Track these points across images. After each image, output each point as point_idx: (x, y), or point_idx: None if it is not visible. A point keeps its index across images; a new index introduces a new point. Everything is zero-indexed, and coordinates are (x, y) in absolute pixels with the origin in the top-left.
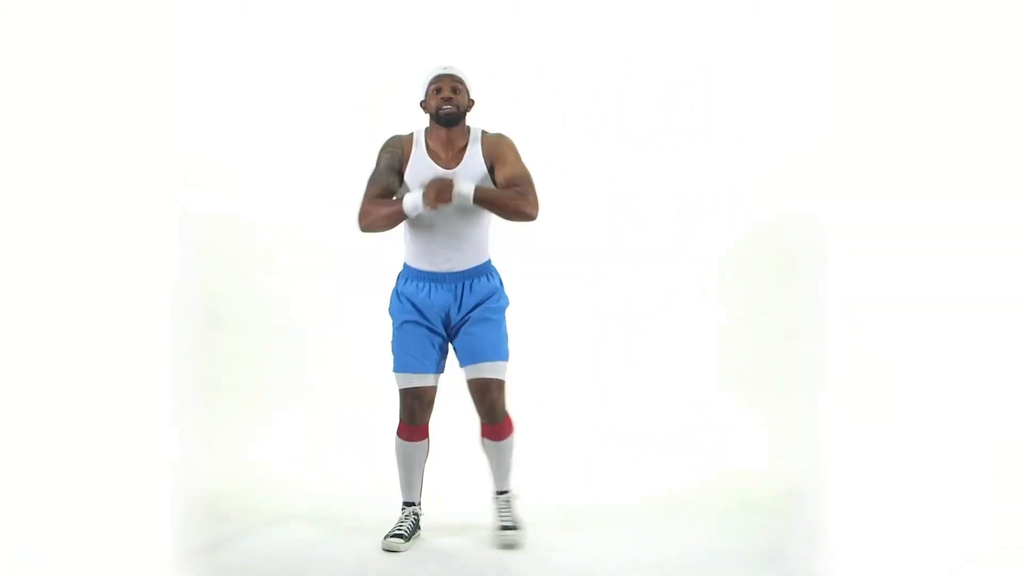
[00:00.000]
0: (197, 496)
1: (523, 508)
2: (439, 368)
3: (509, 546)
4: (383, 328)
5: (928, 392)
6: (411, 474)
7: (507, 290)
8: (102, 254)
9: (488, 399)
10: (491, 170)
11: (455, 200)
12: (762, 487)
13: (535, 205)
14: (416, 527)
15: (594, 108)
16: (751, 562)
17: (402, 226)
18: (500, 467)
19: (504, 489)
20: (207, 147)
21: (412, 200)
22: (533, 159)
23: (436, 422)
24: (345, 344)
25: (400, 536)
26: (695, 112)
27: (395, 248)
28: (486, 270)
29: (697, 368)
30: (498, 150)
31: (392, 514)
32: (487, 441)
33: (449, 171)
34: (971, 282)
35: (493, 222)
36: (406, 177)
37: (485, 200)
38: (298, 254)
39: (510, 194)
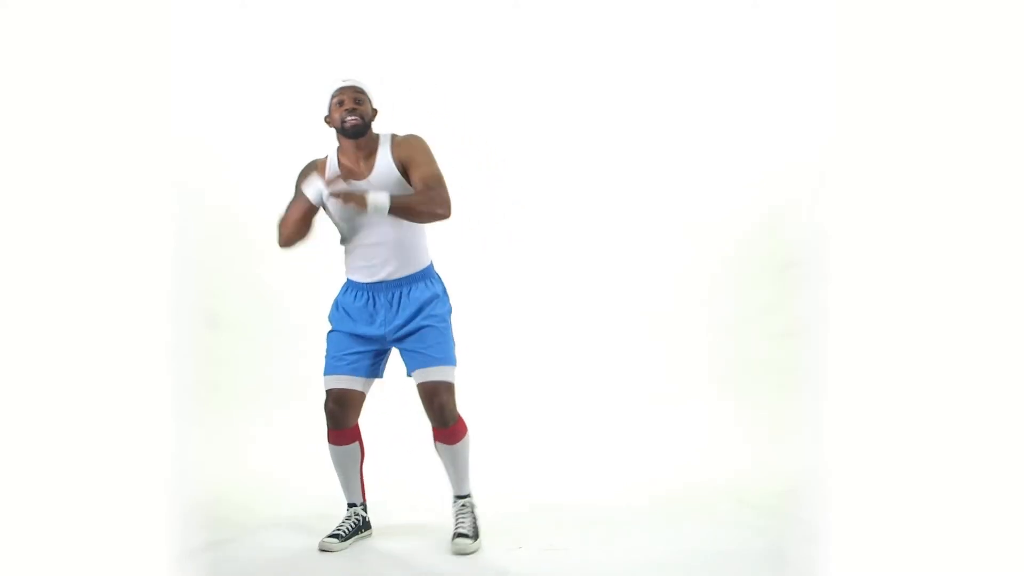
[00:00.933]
0: (196, 496)
1: (523, 508)
2: (366, 373)
3: (461, 553)
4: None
5: (928, 392)
6: (347, 476)
7: (500, 292)
8: (101, 253)
9: (436, 402)
10: (404, 173)
11: (370, 210)
12: (762, 487)
13: (446, 204)
14: (358, 528)
15: (594, 108)
16: (751, 562)
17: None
18: (456, 471)
19: (463, 494)
20: (207, 146)
21: (312, 186)
22: (534, 159)
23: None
24: None
25: (336, 536)
26: (695, 112)
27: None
28: (425, 276)
29: (696, 368)
30: (409, 152)
31: (392, 514)
32: (440, 445)
33: (361, 182)
34: (971, 282)
35: (428, 227)
36: (323, 197)
37: (399, 208)
38: (298, 254)
39: (420, 198)
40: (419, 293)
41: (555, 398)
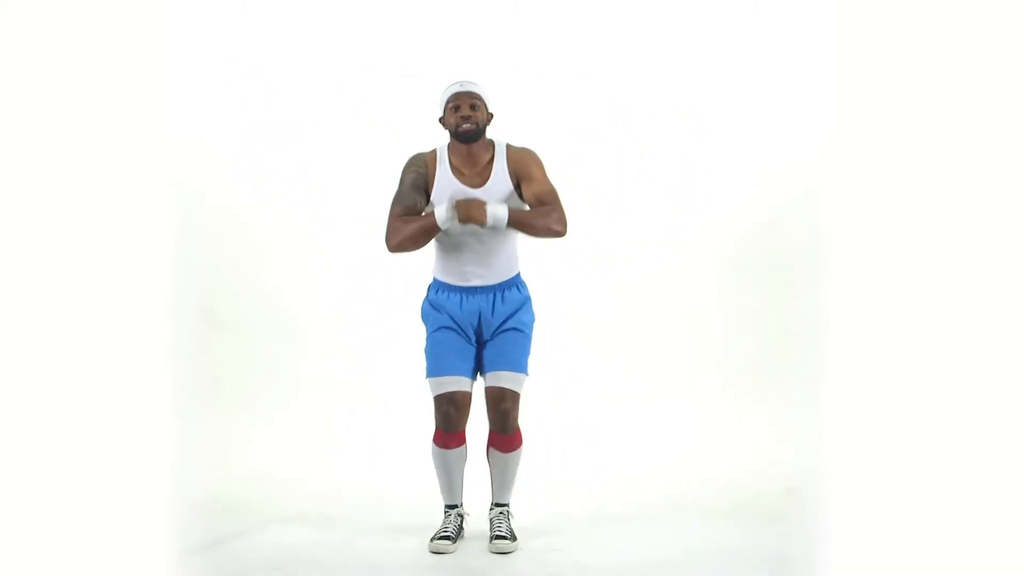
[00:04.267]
0: (196, 496)
1: (523, 508)
2: (473, 374)
3: (501, 553)
4: (383, 329)
5: (929, 392)
6: (451, 479)
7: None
8: (101, 253)
9: (502, 407)
10: (517, 185)
11: (488, 222)
12: (762, 487)
13: (563, 222)
14: (461, 529)
15: (594, 108)
16: (751, 562)
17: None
18: (503, 479)
19: (503, 502)
20: (207, 146)
21: (443, 212)
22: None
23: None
24: (345, 344)
25: (447, 538)
26: (696, 112)
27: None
28: (516, 282)
29: (698, 368)
30: (524, 166)
31: (391, 514)
32: (494, 451)
33: (477, 190)
34: (971, 282)
35: (520, 236)
36: (432, 196)
37: (516, 222)
38: (298, 254)
39: (539, 214)
40: (512, 297)
41: (555, 398)
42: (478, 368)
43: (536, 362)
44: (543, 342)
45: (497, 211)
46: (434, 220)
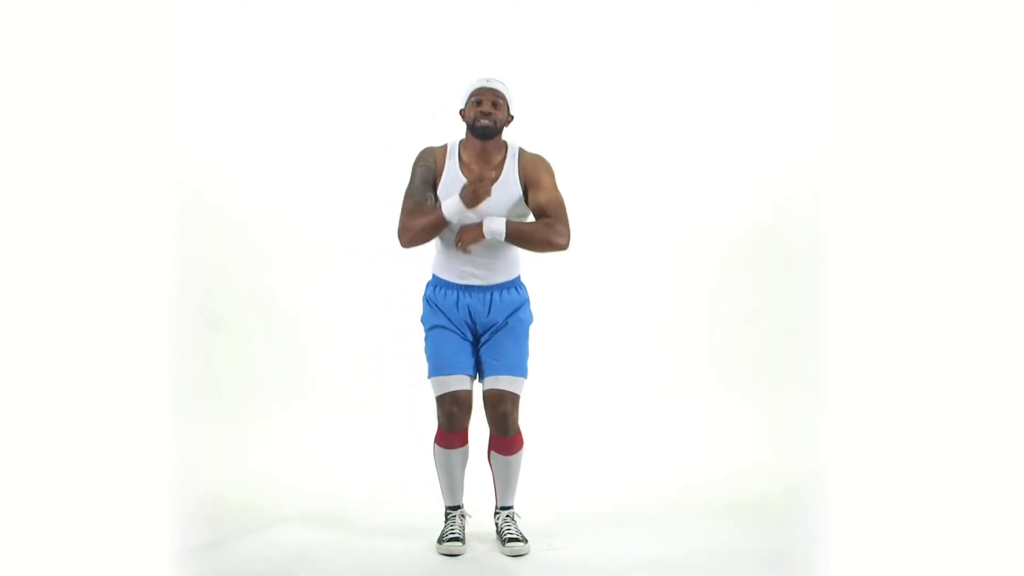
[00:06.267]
0: (197, 496)
1: (523, 508)
2: (474, 371)
3: (517, 555)
4: (383, 329)
5: (929, 392)
6: (453, 480)
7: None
8: (100, 254)
9: (501, 410)
10: (525, 191)
11: (487, 237)
12: (762, 487)
13: (565, 235)
14: (464, 529)
15: (595, 109)
16: (751, 562)
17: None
18: (506, 482)
19: (508, 505)
20: (207, 147)
21: (452, 205)
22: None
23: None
24: (345, 344)
25: (458, 539)
26: (696, 113)
27: (397, 248)
28: (515, 284)
29: (697, 368)
30: (534, 173)
31: (391, 514)
32: (495, 455)
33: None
34: (971, 282)
35: None
36: (439, 191)
37: (515, 236)
38: (298, 254)
39: (540, 227)
40: (510, 298)
41: (555, 397)
42: (477, 368)
43: (536, 363)
44: (542, 343)
45: (494, 225)
46: (442, 214)
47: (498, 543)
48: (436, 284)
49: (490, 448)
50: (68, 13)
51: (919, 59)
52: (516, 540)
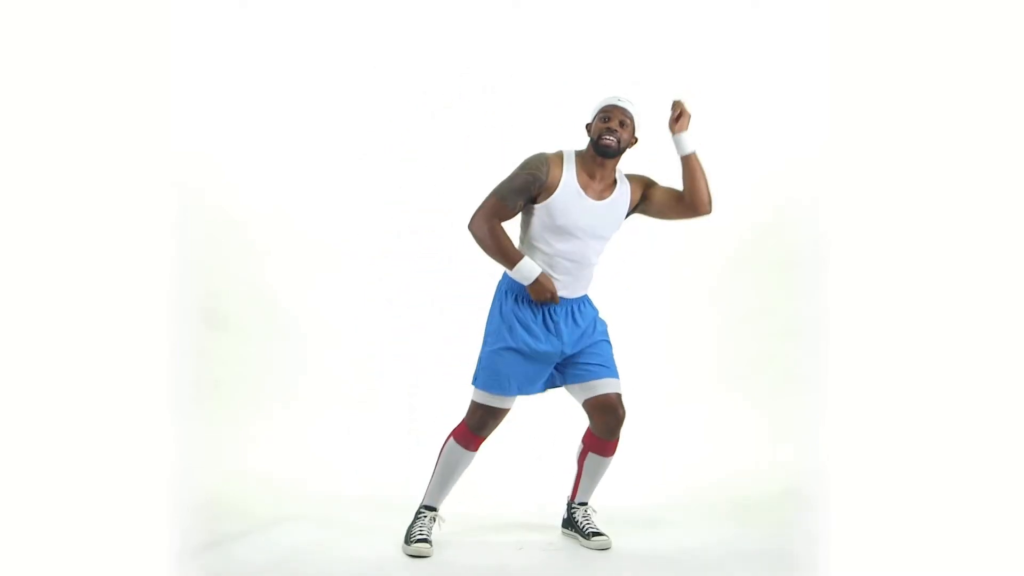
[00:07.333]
0: (196, 496)
1: (524, 508)
2: (526, 392)
3: (604, 548)
4: (383, 329)
5: (929, 391)
6: (448, 480)
7: None
8: (101, 253)
9: (617, 415)
10: (633, 207)
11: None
12: (762, 487)
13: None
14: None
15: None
16: (751, 562)
17: (517, 236)
18: (593, 481)
19: (587, 501)
20: (206, 147)
21: (527, 270)
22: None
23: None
24: (345, 344)
25: (426, 541)
26: (695, 113)
27: (397, 248)
28: (587, 299)
29: (698, 368)
30: (641, 182)
31: (390, 514)
32: (594, 455)
33: (600, 202)
34: (971, 282)
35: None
36: (553, 201)
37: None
38: (298, 254)
39: (680, 199)
40: (588, 310)
41: (556, 397)
42: (552, 381)
43: None
44: None
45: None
46: (514, 261)
47: (578, 538)
48: (519, 298)
49: (590, 450)
50: (68, 13)
51: (919, 60)
52: (600, 534)
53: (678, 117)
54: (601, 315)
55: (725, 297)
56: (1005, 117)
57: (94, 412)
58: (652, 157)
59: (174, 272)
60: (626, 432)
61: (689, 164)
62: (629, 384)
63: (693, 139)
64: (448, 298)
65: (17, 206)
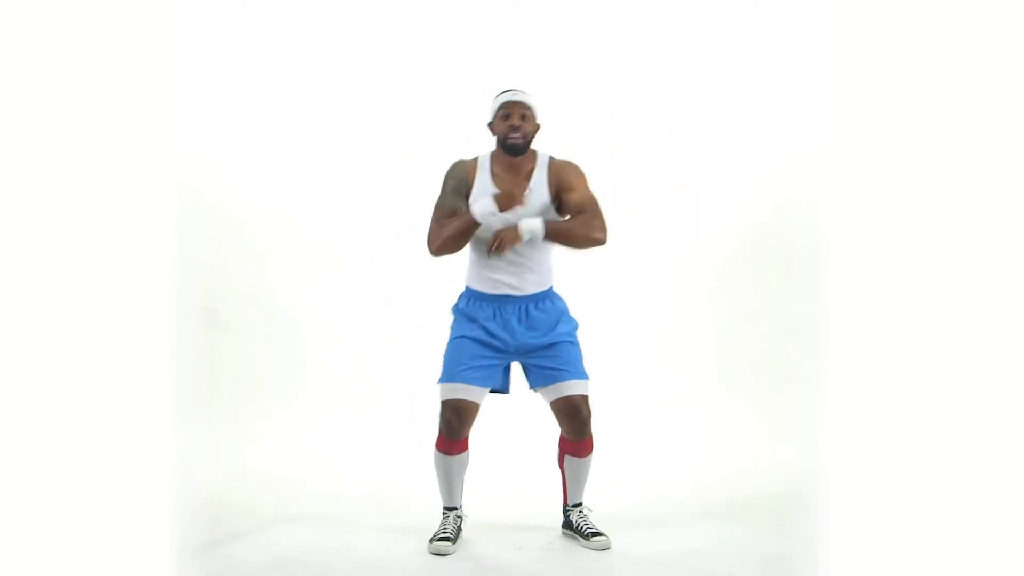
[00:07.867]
0: (196, 496)
1: (524, 508)
2: (486, 384)
3: (604, 548)
4: (383, 329)
5: (930, 391)
6: (451, 483)
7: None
8: (101, 254)
9: (582, 416)
10: (554, 198)
11: (525, 236)
12: (762, 487)
13: (604, 229)
14: (459, 530)
15: (595, 109)
16: (751, 562)
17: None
18: (579, 482)
19: (579, 501)
20: (206, 147)
21: (484, 206)
22: None
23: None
24: (345, 344)
25: (448, 539)
26: (695, 113)
27: (397, 248)
28: (549, 295)
29: (698, 368)
30: (565, 177)
31: (391, 514)
32: (571, 458)
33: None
34: (971, 282)
35: (556, 250)
36: (470, 199)
37: (555, 233)
38: (298, 254)
39: (579, 223)
40: (547, 308)
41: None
42: (503, 380)
43: None
44: None
45: (532, 225)
46: (471, 216)
47: (578, 539)
48: (470, 296)
49: (564, 453)
50: (68, 13)
51: (919, 60)
52: (600, 534)
53: (498, 245)
54: (599, 315)
55: (725, 297)
56: (1005, 117)
57: (94, 412)
58: (651, 157)
59: (174, 272)
60: (626, 432)
61: (554, 240)
62: (629, 384)
63: (531, 222)
64: (448, 298)
65: (17, 206)
